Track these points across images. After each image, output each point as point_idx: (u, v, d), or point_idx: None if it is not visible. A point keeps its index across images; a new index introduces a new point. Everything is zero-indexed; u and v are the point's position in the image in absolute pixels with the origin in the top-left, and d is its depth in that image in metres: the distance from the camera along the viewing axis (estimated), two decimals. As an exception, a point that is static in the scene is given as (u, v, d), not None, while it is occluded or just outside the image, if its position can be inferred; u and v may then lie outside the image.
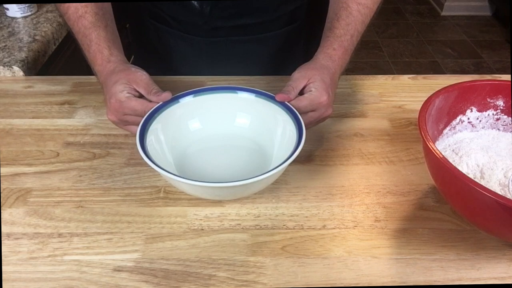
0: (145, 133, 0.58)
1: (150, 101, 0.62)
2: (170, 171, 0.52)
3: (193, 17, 0.79)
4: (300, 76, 0.63)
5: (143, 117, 0.60)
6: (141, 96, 0.63)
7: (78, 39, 0.69)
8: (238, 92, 0.65)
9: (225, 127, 0.66)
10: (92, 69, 0.69)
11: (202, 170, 0.61)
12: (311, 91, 0.62)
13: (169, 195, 0.59)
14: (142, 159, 0.53)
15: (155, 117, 0.61)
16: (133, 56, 1.00)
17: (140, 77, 0.63)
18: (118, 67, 0.64)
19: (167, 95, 0.62)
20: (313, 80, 0.62)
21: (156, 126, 0.60)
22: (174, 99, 0.63)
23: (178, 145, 0.63)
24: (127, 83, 0.62)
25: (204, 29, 0.80)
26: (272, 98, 0.63)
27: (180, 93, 0.64)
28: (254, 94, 0.65)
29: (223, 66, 0.84)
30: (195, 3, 0.77)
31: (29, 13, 1.06)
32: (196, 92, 0.65)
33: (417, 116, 0.54)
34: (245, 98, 0.65)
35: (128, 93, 0.61)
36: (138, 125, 0.59)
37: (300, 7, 0.82)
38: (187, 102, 0.64)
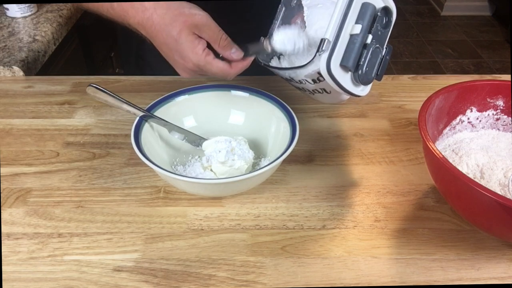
0: (140, 132, 0.58)
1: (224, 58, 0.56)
2: (164, 168, 0.52)
3: None
4: None
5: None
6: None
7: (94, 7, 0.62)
8: (232, 90, 0.66)
9: (219, 125, 0.66)
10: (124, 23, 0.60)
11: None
12: None
13: (169, 195, 0.59)
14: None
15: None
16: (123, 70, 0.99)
17: (201, 20, 0.54)
18: (163, 11, 0.54)
19: (238, 54, 0.56)
20: None
21: (151, 124, 0.60)
22: (169, 97, 0.64)
23: (173, 143, 0.63)
24: (192, 33, 0.53)
25: None
26: (266, 96, 0.64)
27: (175, 91, 0.65)
28: (248, 92, 0.65)
29: None
30: None
31: (29, 13, 1.06)
32: (190, 90, 0.65)
33: (417, 116, 0.54)
34: (239, 96, 0.66)
35: (201, 49, 0.53)
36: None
37: None
38: (182, 100, 0.65)
